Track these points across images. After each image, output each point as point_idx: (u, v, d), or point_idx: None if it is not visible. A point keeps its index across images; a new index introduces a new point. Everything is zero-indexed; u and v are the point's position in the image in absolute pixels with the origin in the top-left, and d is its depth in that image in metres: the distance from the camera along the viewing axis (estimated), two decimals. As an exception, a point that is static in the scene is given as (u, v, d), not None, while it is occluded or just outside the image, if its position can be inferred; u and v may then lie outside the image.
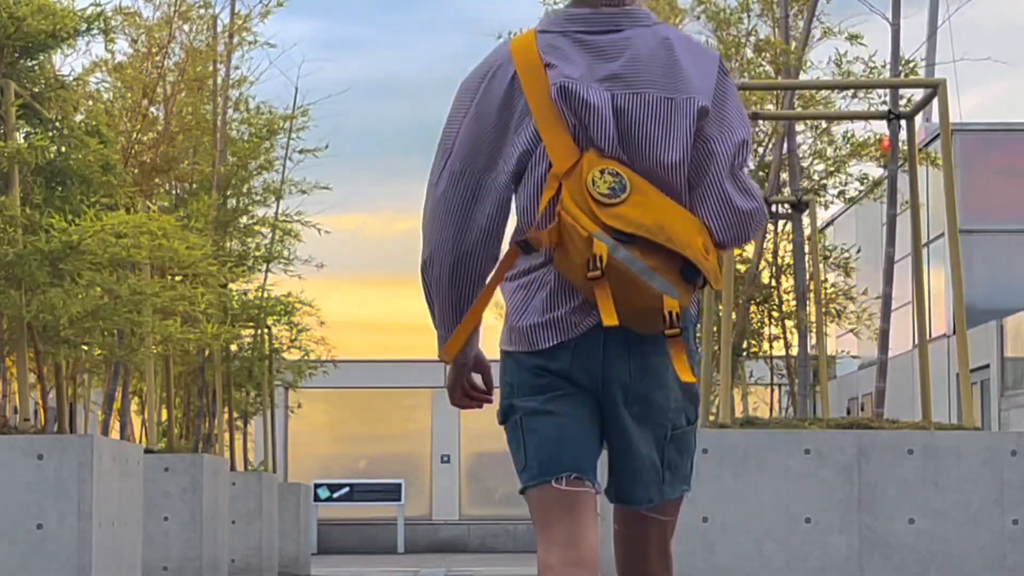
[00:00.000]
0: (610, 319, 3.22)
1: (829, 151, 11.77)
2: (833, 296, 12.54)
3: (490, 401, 3.55)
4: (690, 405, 3.48)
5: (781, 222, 11.53)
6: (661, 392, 3.39)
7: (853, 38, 11.23)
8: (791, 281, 11.20)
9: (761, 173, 11.94)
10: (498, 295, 3.48)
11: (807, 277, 10.62)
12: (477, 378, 3.56)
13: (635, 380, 3.37)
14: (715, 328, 9.73)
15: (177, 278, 12.11)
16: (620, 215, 3.24)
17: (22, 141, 8.67)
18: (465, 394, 3.53)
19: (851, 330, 12.89)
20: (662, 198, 3.31)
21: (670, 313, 3.23)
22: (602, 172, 3.29)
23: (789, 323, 11.86)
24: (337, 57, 56.87)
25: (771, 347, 12.30)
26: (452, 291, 3.42)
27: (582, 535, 3.31)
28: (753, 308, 12.01)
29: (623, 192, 3.27)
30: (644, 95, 3.37)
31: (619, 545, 3.56)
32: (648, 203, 3.28)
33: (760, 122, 11.66)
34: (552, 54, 3.39)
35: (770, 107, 11.64)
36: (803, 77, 11.03)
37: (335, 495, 30.11)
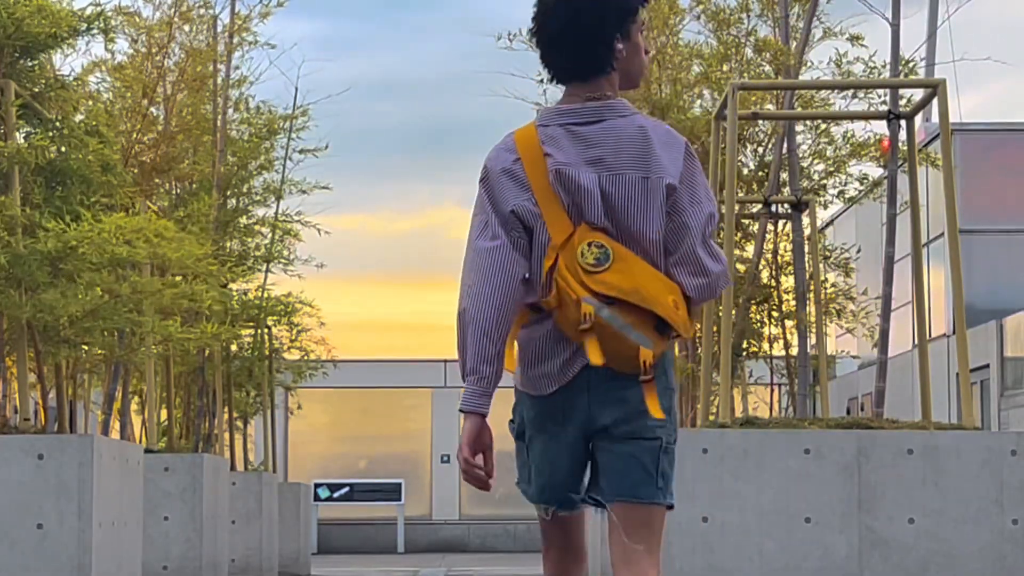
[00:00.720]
0: (596, 359, 3.98)
1: (829, 151, 11.76)
2: (833, 296, 12.53)
3: (491, 487, 4.15)
4: (672, 427, 4.12)
5: (781, 222, 11.52)
6: (639, 419, 4.05)
7: (854, 39, 11.23)
8: (791, 281, 11.19)
9: (761, 173, 11.95)
10: None
11: (807, 277, 10.61)
12: (479, 457, 4.10)
13: (616, 411, 4.05)
14: (715, 328, 9.73)
15: (177, 278, 12.11)
16: (603, 281, 3.97)
17: (22, 141, 8.67)
18: (470, 473, 4.08)
19: (848, 329, 12.89)
20: (640, 264, 4.02)
21: (645, 362, 3.98)
22: (590, 245, 4.00)
23: (789, 323, 11.86)
24: (338, 57, 56.85)
25: (771, 347, 12.29)
26: (488, 326, 4.05)
27: (570, 544, 4.30)
28: (753, 308, 12.01)
29: (607, 261, 3.99)
30: (624, 176, 4.07)
31: (612, 538, 4.14)
32: (628, 269, 3.99)
33: (760, 122, 11.66)
34: (549, 144, 4.10)
35: (770, 107, 11.64)
36: (803, 77, 11.03)
37: (335, 495, 30.10)
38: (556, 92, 12.80)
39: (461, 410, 4.05)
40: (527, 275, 4.06)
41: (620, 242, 4.04)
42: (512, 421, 4.22)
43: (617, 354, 3.98)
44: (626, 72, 4.18)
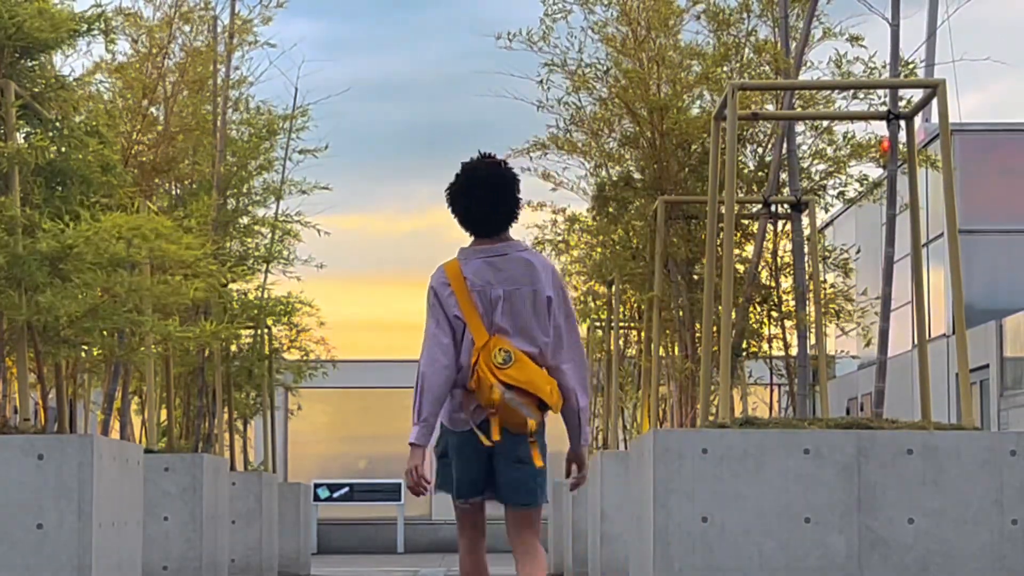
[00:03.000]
0: (496, 437, 6.35)
1: (829, 151, 11.76)
2: (832, 296, 12.53)
3: (427, 493, 6.49)
4: (544, 458, 6.41)
5: (781, 222, 11.52)
6: (525, 458, 6.41)
7: (854, 40, 11.22)
8: (790, 281, 11.19)
9: (761, 173, 11.95)
10: None
11: (806, 277, 10.61)
12: (425, 466, 6.41)
13: (513, 448, 6.39)
14: (715, 328, 9.73)
15: (177, 277, 12.10)
16: (508, 375, 6.30)
17: (22, 141, 8.67)
18: (418, 482, 6.38)
19: (843, 331, 12.89)
20: (531, 364, 6.34)
21: (532, 430, 6.34)
22: (500, 350, 6.32)
23: (788, 323, 11.86)
24: (338, 57, 56.86)
25: (771, 347, 12.29)
26: (438, 393, 6.38)
27: (477, 525, 6.57)
28: (753, 308, 12.01)
29: (511, 362, 6.31)
30: (521, 290, 6.42)
31: (509, 527, 6.50)
32: (523, 367, 6.32)
33: (760, 122, 11.67)
34: (468, 270, 6.42)
35: (770, 107, 11.64)
36: (803, 77, 11.02)
37: (335, 495, 30.10)
38: (556, 92, 12.57)
39: (412, 443, 6.33)
40: (459, 360, 6.36)
41: (518, 335, 6.36)
42: (437, 447, 6.53)
43: (514, 421, 6.31)
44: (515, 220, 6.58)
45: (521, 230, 16.38)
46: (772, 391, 12.92)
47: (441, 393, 6.30)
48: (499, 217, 6.45)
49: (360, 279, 45.06)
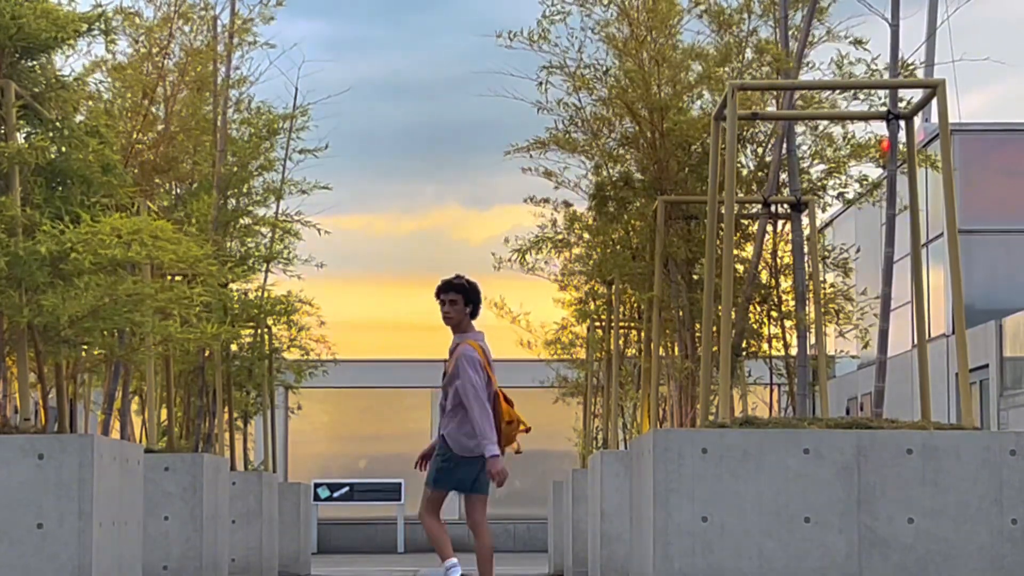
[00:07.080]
0: (519, 448, 10.55)
1: (829, 152, 11.76)
2: (832, 296, 12.53)
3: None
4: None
5: (780, 222, 11.52)
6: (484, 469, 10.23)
7: (858, 43, 11.20)
8: (790, 281, 11.20)
9: (761, 173, 11.95)
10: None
11: (806, 277, 10.61)
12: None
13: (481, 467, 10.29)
14: (715, 328, 9.74)
15: (178, 278, 12.10)
16: (513, 413, 10.16)
17: (23, 141, 8.67)
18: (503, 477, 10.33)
19: (841, 332, 12.89)
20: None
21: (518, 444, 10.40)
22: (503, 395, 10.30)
23: (788, 323, 11.86)
24: (340, 57, 56.85)
25: (770, 347, 12.30)
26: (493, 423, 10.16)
27: (440, 507, 10.26)
28: (753, 308, 12.01)
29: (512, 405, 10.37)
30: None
31: (468, 506, 10.20)
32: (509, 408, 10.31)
33: (760, 122, 11.67)
34: (485, 347, 10.10)
35: (771, 108, 11.63)
36: (803, 77, 11.02)
37: (335, 495, 30.10)
38: (555, 92, 12.54)
39: (495, 455, 9.99)
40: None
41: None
42: (449, 462, 10.13)
43: (508, 440, 10.09)
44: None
45: (521, 228, 16.34)
46: (772, 391, 12.91)
47: (493, 422, 10.00)
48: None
49: (361, 279, 45.08)
